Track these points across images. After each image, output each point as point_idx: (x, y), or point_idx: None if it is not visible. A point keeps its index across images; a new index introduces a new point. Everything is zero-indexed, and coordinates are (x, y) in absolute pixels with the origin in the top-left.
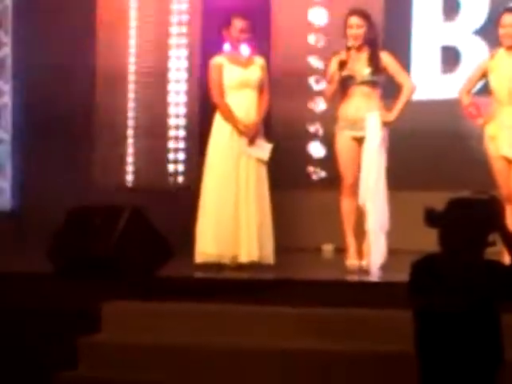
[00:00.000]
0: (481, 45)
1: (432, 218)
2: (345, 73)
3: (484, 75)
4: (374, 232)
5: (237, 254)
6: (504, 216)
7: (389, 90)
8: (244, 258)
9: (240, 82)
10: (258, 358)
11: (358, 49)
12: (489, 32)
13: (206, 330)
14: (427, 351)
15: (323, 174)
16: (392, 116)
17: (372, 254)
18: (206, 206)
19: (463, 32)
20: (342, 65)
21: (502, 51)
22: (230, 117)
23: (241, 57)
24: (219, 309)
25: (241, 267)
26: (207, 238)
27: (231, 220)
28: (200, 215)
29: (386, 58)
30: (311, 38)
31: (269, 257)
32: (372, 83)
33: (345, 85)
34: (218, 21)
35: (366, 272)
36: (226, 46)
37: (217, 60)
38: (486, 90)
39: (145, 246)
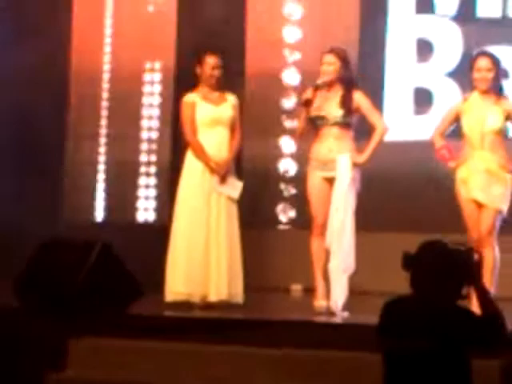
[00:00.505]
0: (453, 87)
1: (406, 260)
2: (316, 113)
3: (457, 118)
4: (335, 273)
5: (206, 293)
6: (480, 271)
7: (362, 130)
8: (213, 297)
9: (212, 119)
10: None
11: (329, 87)
12: (461, 75)
13: (174, 369)
14: None
15: (293, 213)
16: (363, 158)
17: (332, 295)
18: (177, 243)
19: (436, 74)
20: (308, 103)
21: (475, 94)
22: (201, 154)
23: (213, 94)
24: (188, 348)
25: (210, 306)
26: (177, 276)
27: (201, 258)
28: (170, 253)
29: (359, 98)
30: (285, 76)
31: (238, 296)
32: (344, 124)
33: (317, 125)
34: (191, 57)
35: (333, 313)
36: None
37: (189, 97)
38: (458, 133)
39: (115, 283)
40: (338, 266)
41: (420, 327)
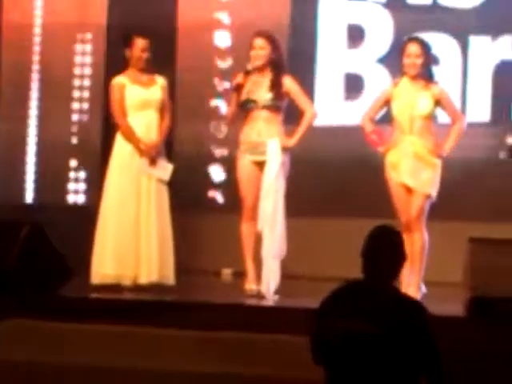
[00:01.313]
0: (384, 73)
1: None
2: (245, 96)
3: (387, 103)
4: (267, 258)
5: (136, 274)
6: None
7: (291, 114)
8: (143, 279)
9: (141, 102)
10: (155, 381)
11: (260, 71)
12: (392, 61)
13: (102, 351)
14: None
15: (223, 197)
16: (292, 141)
17: (264, 279)
18: (105, 225)
19: (367, 60)
20: (239, 88)
21: (405, 80)
22: (131, 137)
23: (142, 77)
24: (116, 330)
25: (141, 288)
26: (105, 258)
27: (131, 240)
28: (98, 234)
29: (288, 83)
30: (217, 60)
31: (169, 278)
32: (274, 108)
33: (247, 108)
34: (121, 39)
35: (264, 297)
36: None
37: (119, 80)
38: (388, 118)
39: (44, 264)
40: (269, 251)
41: (361, 309)
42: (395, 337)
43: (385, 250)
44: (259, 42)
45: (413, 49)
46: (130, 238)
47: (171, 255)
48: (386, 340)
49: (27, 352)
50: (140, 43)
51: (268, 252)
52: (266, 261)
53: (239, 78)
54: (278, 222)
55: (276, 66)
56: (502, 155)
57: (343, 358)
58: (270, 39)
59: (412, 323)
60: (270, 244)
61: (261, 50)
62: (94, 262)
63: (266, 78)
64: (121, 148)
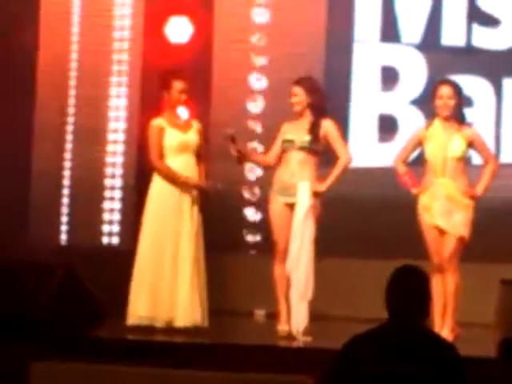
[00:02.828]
0: (417, 114)
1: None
2: (285, 137)
3: (419, 144)
4: (294, 299)
5: (171, 317)
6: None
7: (326, 158)
8: (179, 323)
9: (180, 145)
10: None
11: (300, 115)
12: (425, 102)
13: None
14: None
15: (258, 238)
16: (323, 187)
17: (293, 321)
18: (143, 266)
19: (400, 101)
20: (233, 140)
21: (437, 122)
22: (170, 174)
23: (179, 120)
24: (150, 372)
25: (174, 330)
26: (141, 299)
27: (167, 282)
28: (135, 275)
29: (327, 126)
30: (251, 103)
31: (203, 320)
32: (310, 150)
33: (284, 148)
34: (158, 82)
35: (295, 338)
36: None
37: (158, 122)
38: (421, 160)
39: (78, 307)
40: (296, 292)
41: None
42: (437, 380)
43: (412, 289)
44: (293, 89)
45: (445, 90)
46: (167, 280)
47: (205, 297)
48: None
49: None
50: (178, 86)
51: (294, 293)
52: (293, 302)
53: (229, 130)
54: (303, 263)
55: (315, 109)
56: None
57: None
58: (304, 85)
59: (450, 367)
60: (296, 286)
61: (295, 96)
62: (130, 302)
63: (305, 121)
64: (158, 189)
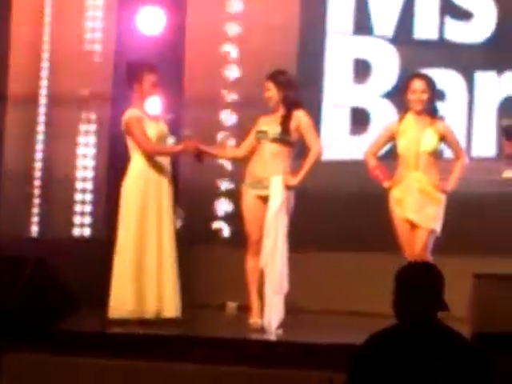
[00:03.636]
0: (389, 108)
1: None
2: (261, 128)
3: (391, 138)
4: (269, 293)
5: (159, 308)
6: None
7: (300, 150)
8: (167, 313)
9: (158, 136)
10: None
11: (274, 110)
12: (398, 96)
13: None
14: None
15: (229, 231)
16: (296, 180)
17: (266, 315)
18: (124, 258)
19: (373, 94)
20: (199, 159)
21: (410, 116)
22: (164, 151)
23: (147, 112)
24: (122, 364)
25: (145, 322)
26: (126, 292)
27: (151, 273)
28: (116, 268)
29: (300, 116)
30: (224, 93)
31: (178, 311)
32: (282, 142)
33: (258, 139)
34: (128, 74)
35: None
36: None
37: (134, 113)
38: (392, 154)
39: (49, 298)
40: (271, 286)
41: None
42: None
43: (424, 284)
44: (266, 84)
45: (418, 84)
46: (152, 272)
47: (178, 288)
48: None
49: None
50: (150, 79)
51: (269, 287)
52: (267, 296)
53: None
54: (277, 257)
55: (287, 103)
56: (506, 174)
57: None
58: (276, 80)
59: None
60: (271, 280)
61: (267, 91)
62: (115, 296)
63: (279, 114)
64: (135, 180)
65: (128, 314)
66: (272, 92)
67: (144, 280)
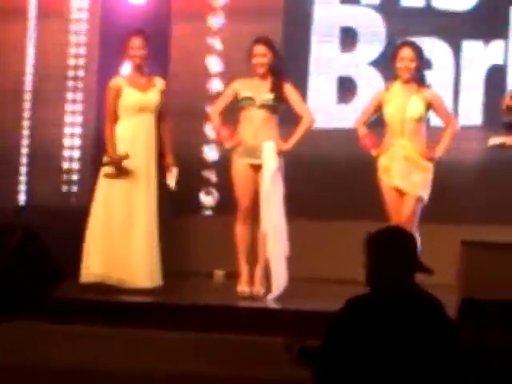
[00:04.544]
0: (376, 76)
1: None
2: (245, 94)
3: (379, 107)
4: (274, 258)
5: (125, 276)
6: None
7: (289, 117)
8: (134, 283)
9: (137, 105)
10: (144, 382)
11: (263, 77)
12: (384, 64)
13: (90, 354)
14: None
15: (217, 199)
16: (288, 146)
17: (273, 280)
18: (94, 225)
19: (359, 63)
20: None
21: (397, 84)
22: (108, 143)
23: (141, 79)
24: (105, 332)
25: (130, 290)
26: (93, 256)
27: (119, 241)
28: (87, 234)
29: (288, 89)
30: (210, 62)
31: (158, 280)
32: (272, 108)
33: (243, 106)
34: (116, 41)
35: (257, 298)
36: (125, 68)
37: (115, 82)
38: (381, 122)
39: (37, 267)
40: (275, 252)
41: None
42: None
43: (396, 248)
44: (260, 48)
45: (406, 53)
46: (119, 239)
47: (159, 257)
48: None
49: (16, 354)
50: (135, 42)
51: (273, 254)
52: (273, 261)
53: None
54: (276, 222)
55: (276, 71)
56: (492, 142)
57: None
58: (271, 45)
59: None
60: (274, 246)
61: (262, 57)
62: (83, 260)
63: (267, 82)
64: (119, 145)
65: (92, 277)
66: (267, 57)
67: (113, 245)
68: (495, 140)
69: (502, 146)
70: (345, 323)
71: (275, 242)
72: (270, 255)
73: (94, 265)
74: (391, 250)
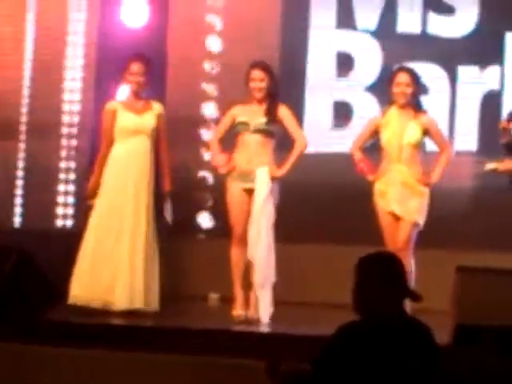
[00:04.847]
0: (372, 101)
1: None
2: (240, 119)
3: (376, 132)
4: (258, 285)
5: (112, 299)
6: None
7: (285, 142)
8: (124, 305)
9: (132, 128)
10: None
11: (260, 101)
12: (380, 89)
13: (81, 377)
14: None
15: (212, 222)
16: (282, 171)
17: (260, 307)
18: (84, 246)
19: (356, 88)
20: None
21: (393, 109)
22: (97, 167)
23: (137, 103)
24: (99, 354)
25: (127, 314)
26: (81, 279)
27: (109, 263)
28: (78, 256)
29: (283, 111)
30: (206, 87)
31: (153, 303)
32: (266, 132)
33: (238, 131)
34: (114, 66)
35: (252, 322)
36: (121, 93)
37: (111, 105)
38: (376, 147)
39: (32, 290)
40: (259, 278)
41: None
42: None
43: (383, 276)
44: (258, 73)
45: (403, 78)
46: (107, 262)
47: (157, 281)
48: None
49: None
50: (134, 67)
51: (258, 279)
52: (257, 288)
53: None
54: (263, 248)
55: (272, 95)
56: (486, 167)
57: None
58: (268, 70)
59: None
60: (259, 270)
61: (260, 81)
62: (72, 282)
63: (261, 107)
64: (110, 171)
65: (76, 299)
66: (265, 82)
67: (101, 268)
68: (489, 165)
69: (495, 171)
70: (337, 349)
71: (258, 268)
72: (256, 280)
73: (76, 288)
74: (380, 274)
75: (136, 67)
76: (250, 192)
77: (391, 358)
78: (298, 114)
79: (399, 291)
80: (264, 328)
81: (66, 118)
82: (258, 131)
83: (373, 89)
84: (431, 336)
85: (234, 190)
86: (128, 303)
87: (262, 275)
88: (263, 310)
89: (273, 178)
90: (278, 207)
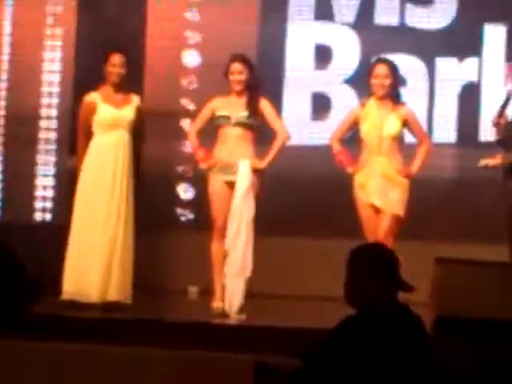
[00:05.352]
0: (351, 93)
1: None
2: (218, 114)
3: (354, 124)
4: (230, 276)
5: (100, 293)
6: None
7: (266, 136)
8: (110, 297)
9: (110, 121)
10: None
11: (239, 94)
12: (359, 81)
13: (60, 369)
14: None
15: (191, 215)
16: (263, 164)
17: (227, 298)
18: (71, 241)
19: (334, 80)
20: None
21: (372, 101)
22: (78, 158)
23: (116, 95)
24: (82, 349)
25: (104, 307)
26: (71, 275)
27: (94, 258)
28: (66, 252)
29: (264, 105)
30: (184, 80)
31: (128, 297)
32: (247, 126)
33: (219, 124)
34: (94, 57)
35: (228, 315)
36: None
37: (90, 97)
38: (355, 139)
39: (12, 285)
40: (232, 270)
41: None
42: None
43: (375, 268)
44: (237, 66)
45: (381, 70)
46: (89, 255)
47: (131, 274)
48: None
49: None
50: (115, 59)
51: (230, 271)
52: (228, 279)
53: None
54: (241, 241)
55: (252, 88)
56: (479, 163)
57: None
58: (247, 63)
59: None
60: (233, 263)
61: (239, 74)
62: (63, 278)
63: (243, 99)
64: (89, 164)
65: (68, 295)
66: (244, 75)
67: (85, 262)
68: (481, 162)
69: (486, 167)
70: (340, 345)
71: (232, 260)
72: (227, 272)
73: (68, 283)
74: (372, 266)
75: (117, 59)
76: (231, 185)
77: (391, 348)
78: (277, 106)
79: (392, 282)
80: (239, 321)
81: (44, 112)
82: (239, 124)
83: (351, 81)
84: (423, 324)
85: (215, 182)
86: (103, 296)
87: (237, 266)
88: (234, 301)
89: (255, 170)
90: (259, 199)
